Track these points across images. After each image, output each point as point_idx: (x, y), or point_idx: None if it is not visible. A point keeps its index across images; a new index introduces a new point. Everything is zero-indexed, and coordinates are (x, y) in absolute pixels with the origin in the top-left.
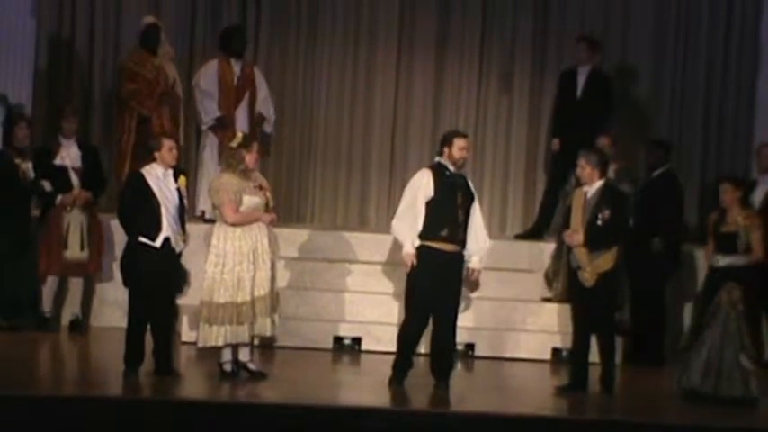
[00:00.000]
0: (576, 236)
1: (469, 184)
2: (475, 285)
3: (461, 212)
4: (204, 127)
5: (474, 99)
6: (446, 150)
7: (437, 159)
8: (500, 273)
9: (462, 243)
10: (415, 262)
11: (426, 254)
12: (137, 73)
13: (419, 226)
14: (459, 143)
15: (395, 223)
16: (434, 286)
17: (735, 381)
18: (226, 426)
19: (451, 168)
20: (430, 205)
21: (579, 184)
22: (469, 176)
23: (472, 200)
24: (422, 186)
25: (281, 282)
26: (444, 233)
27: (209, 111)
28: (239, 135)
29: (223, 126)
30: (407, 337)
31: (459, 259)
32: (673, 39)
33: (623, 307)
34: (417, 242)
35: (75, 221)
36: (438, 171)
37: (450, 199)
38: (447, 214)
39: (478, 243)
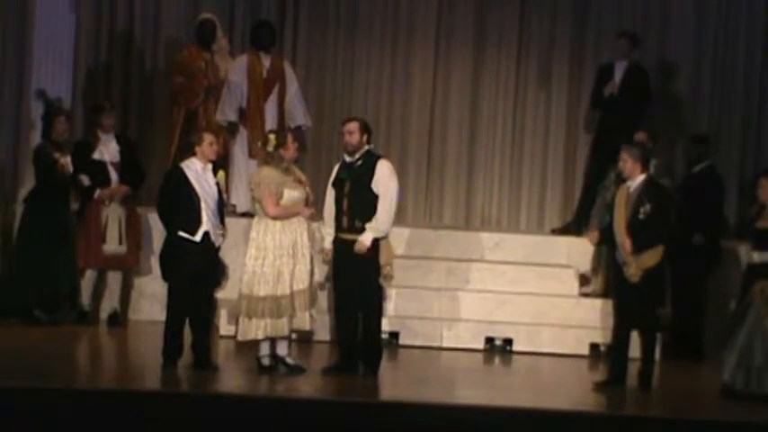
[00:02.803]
0: (626, 244)
1: (377, 166)
2: (388, 275)
3: (346, 201)
4: (219, 120)
5: (512, 94)
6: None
7: None
8: (538, 268)
9: (357, 230)
10: (327, 257)
11: (334, 244)
12: (186, 67)
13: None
14: (345, 128)
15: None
16: (340, 275)
17: (765, 377)
18: (263, 420)
19: (345, 156)
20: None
21: (618, 178)
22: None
23: (368, 183)
24: (331, 180)
25: (319, 276)
26: (337, 223)
27: (226, 110)
28: (271, 138)
29: (233, 132)
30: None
31: (348, 245)
32: (712, 34)
33: (665, 303)
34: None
35: (113, 215)
36: (342, 162)
37: (339, 190)
38: (337, 205)
39: (373, 222)
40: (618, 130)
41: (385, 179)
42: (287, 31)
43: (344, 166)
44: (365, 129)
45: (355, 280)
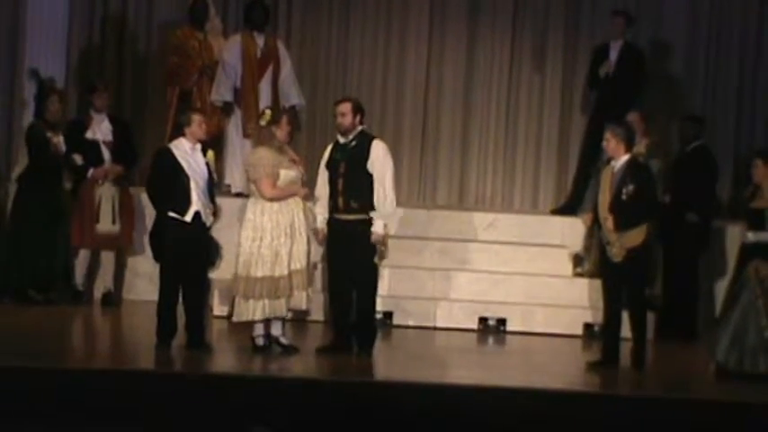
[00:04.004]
0: (607, 222)
1: (373, 150)
2: (382, 253)
3: (341, 181)
4: (215, 101)
5: (506, 72)
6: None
7: None
8: (532, 248)
9: (352, 210)
10: (319, 236)
11: (329, 224)
12: (180, 47)
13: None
14: (337, 109)
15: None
16: (335, 255)
17: (759, 357)
18: (258, 399)
19: (339, 137)
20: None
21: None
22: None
23: (363, 164)
24: (324, 160)
25: (314, 255)
26: (332, 203)
27: (221, 90)
28: (267, 113)
29: (228, 112)
30: (330, 310)
31: (353, 227)
32: (706, 13)
33: (655, 282)
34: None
35: (106, 195)
36: (335, 143)
37: (333, 170)
38: (331, 185)
39: (379, 210)
40: (613, 110)
41: (380, 160)
42: (281, 10)
43: (338, 146)
44: (357, 109)
45: (350, 259)
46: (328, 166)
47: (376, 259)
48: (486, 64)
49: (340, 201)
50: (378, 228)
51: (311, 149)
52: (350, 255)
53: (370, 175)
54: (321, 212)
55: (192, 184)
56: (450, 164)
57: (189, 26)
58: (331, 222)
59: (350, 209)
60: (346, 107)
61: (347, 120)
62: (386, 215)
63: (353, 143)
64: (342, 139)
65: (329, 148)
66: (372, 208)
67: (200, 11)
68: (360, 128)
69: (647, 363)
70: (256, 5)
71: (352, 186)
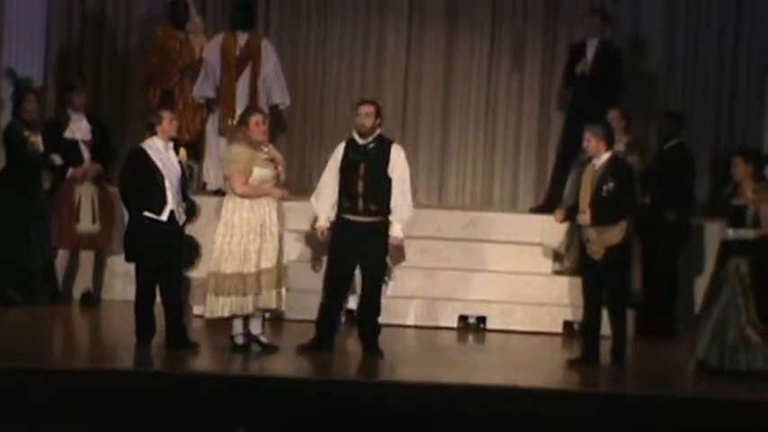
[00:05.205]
0: (584, 216)
1: (393, 153)
2: (398, 256)
3: (362, 183)
4: (196, 97)
5: (485, 72)
6: (355, 120)
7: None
8: (512, 246)
9: (370, 213)
10: (325, 233)
11: (337, 225)
12: (160, 47)
13: (335, 197)
14: (360, 109)
15: (313, 196)
16: (344, 256)
17: (739, 354)
18: (237, 398)
19: (357, 137)
20: (339, 177)
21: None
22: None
23: (384, 168)
24: (335, 159)
25: (292, 255)
26: (346, 204)
27: (203, 86)
28: (237, 114)
29: (210, 108)
30: (321, 309)
31: (364, 228)
32: (684, 11)
33: (634, 280)
34: (332, 214)
35: (86, 194)
36: (349, 142)
37: (351, 171)
38: (348, 186)
39: (396, 214)
40: (590, 108)
41: (401, 165)
42: (260, 9)
43: (354, 147)
44: (379, 112)
45: (361, 260)
46: (344, 166)
47: (388, 259)
48: (464, 63)
49: (360, 203)
50: (397, 232)
51: (289, 149)
52: (361, 255)
53: (389, 179)
54: (325, 210)
55: (167, 184)
56: (429, 162)
57: (169, 26)
58: (340, 223)
59: (369, 212)
60: (371, 109)
61: (370, 121)
62: (406, 219)
63: (372, 146)
64: (360, 140)
65: (341, 147)
66: (389, 211)
67: (181, 10)
68: (378, 131)
69: (627, 360)
70: (239, 5)
71: (373, 189)
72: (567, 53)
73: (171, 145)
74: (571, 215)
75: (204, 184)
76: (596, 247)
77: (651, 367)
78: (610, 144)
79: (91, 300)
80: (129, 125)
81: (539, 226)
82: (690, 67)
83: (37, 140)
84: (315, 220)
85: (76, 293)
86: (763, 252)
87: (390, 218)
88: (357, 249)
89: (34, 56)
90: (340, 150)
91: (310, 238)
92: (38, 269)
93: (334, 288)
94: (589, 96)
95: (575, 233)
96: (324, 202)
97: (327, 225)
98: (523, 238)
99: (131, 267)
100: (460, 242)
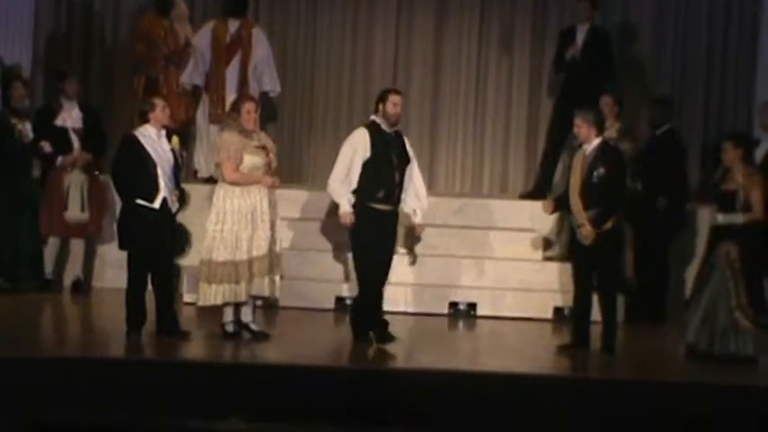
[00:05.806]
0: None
1: (406, 142)
2: (418, 240)
3: (398, 174)
4: (184, 83)
5: (474, 59)
6: (381, 107)
7: (372, 117)
8: (502, 232)
9: (397, 203)
10: (353, 220)
11: (365, 213)
12: (146, 35)
13: (354, 185)
14: (393, 99)
15: (331, 183)
16: (374, 244)
17: (728, 339)
18: (228, 386)
19: (385, 126)
20: (367, 166)
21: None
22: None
23: (408, 160)
24: (360, 146)
25: (284, 242)
26: (381, 194)
27: (192, 74)
28: (227, 101)
29: (196, 95)
30: (364, 300)
31: (394, 217)
32: None
33: (625, 266)
34: (352, 200)
35: (75, 182)
36: (374, 130)
37: (385, 160)
38: (383, 176)
39: (420, 201)
40: (580, 93)
41: (412, 153)
42: None
43: (381, 136)
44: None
45: (392, 251)
46: (376, 155)
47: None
48: (454, 48)
49: (396, 193)
50: (420, 219)
51: (279, 138)
52: (392, 246)
53: None
54: (349, 198)
55: (160, 171)
56: (419, 149)
57: (155, 13)
58: (374, 213)
59: (398, 201)
60: (400, 98)
61: (399, 110)
62: (425, 207)
63: (394, 135)
64: (388, 129)
65: (363, 135)
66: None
67: None
68: None
69: (617, 345)
70: None
71: (403, 180)
72: (556, 38)
73: (163, 133)
74: (560, 205)
75: (195, 172)
76: (587, 232)
77: (641, 352)
78: (600, 130)
79: (81, 288)
80: (118, 113)
81: (529, 212)
82: (679, 53)
83: (24, 128)
84: (335, 207)
85: (67, 281)
86: (753, 236)
87: (414, 206)
88: (391, 238)
89: (23, 44)
90: (364, 138)
91: (301, 225)
92: (26, 256)
93: (378, 279)
94: (579, 81)
95: (565, 219)
96: (345, 189)
97: (352, 211)
98: (513, 224)
99: (122, 255)
100: (450, 228)
